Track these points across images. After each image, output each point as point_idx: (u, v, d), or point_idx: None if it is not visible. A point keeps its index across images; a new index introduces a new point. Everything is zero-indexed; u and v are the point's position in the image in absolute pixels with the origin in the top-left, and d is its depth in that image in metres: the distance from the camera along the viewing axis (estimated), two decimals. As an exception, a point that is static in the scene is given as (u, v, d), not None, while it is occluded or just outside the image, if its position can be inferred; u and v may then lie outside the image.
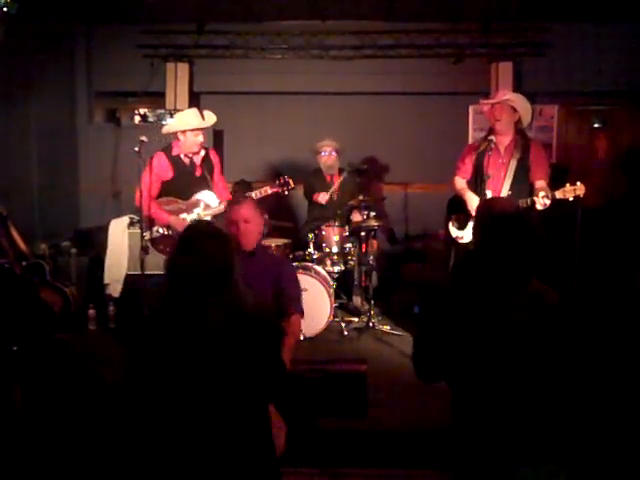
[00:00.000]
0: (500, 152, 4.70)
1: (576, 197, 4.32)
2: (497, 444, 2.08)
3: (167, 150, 4.84)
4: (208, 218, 4.74)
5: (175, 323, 2.12)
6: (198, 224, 2.80)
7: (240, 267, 2.22)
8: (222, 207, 4.74)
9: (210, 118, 4.89)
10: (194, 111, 4.84)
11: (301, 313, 3.32)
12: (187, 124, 4.73)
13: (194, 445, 2.06)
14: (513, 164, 4.65)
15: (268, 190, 4.85)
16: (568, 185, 4.30)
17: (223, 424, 2.09)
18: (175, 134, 4.81)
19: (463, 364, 2.15)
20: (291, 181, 4.84)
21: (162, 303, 2.18)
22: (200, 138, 4.77)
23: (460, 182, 4.89)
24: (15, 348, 4.30)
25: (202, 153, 4.87)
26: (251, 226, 3.19)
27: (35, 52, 6.23)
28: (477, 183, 4.72)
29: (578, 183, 4.28)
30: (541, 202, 4.37)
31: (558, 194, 4.34)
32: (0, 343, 4.22)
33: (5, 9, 4.47)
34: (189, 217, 4.78)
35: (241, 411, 2.11)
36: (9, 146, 5.95)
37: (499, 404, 2.09)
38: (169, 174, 4.81)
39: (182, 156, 4.83)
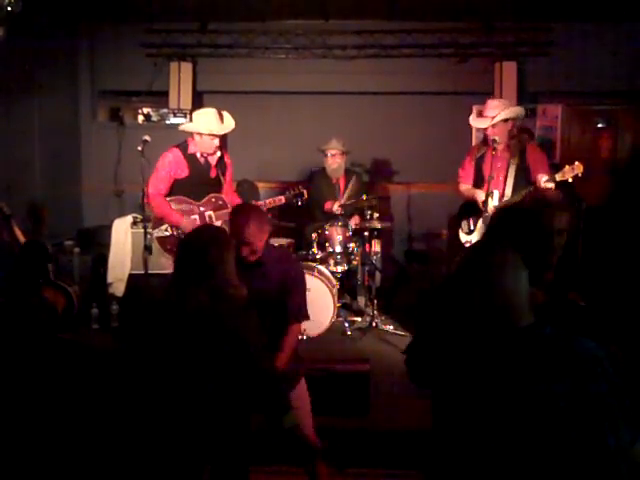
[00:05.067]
0: (498, 155, 4.72)
1: (575, 177, 4.27)
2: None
3: (183, 147, 4.68)
4: (219, 221, 4.70)
5: (163, 311, 2.44)
6: (199, 228, 2.79)
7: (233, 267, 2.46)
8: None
9: (229, 123, 4.74)
10: (214, 113, 4.64)
11: (302, 319, 3.14)
12: (206, 128, 4.58)
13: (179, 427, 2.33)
14: (512, 166, 4.68)
15: (282, 199, 4.85)
16: (567, 166, 4.28)
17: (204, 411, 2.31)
18: (191, 133, 4.68)
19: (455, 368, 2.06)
20: (305, 192, 4.84)
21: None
22: (216, 142, 4.64)
23: (465, 186, 4.93)
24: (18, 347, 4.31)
25: (218, 154, 4.75)
26: (253, 246, 2.92)
27: (38, 51, 6.24)
28: (480, 187, 4.77)
29: (576, 162, 4.26)
30: (546, 187, 4.35)
31: (558, 176, 4.33)
32: (3, 342, 4.22)
33: (9, 8, 4.47)
34: (199, 218, 4.70)
35: (220, 404, 2.33)
36: (12, 145, 5.96)
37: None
38: (184, 172, 4.66)
39: (198, 155, 4.69)
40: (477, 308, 1.80)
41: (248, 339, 2.40)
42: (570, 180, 4.31)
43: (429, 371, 2.10)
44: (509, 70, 6.77)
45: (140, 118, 7.48)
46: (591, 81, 6.79)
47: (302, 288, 3.20)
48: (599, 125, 7.32)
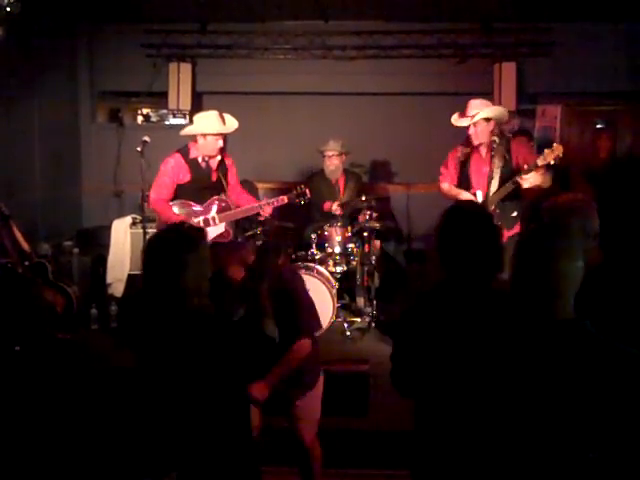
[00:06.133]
0: (482, 156, 4.69)
1: (556, 158, 4.13)
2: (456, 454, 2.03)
3: (184, 152, 4.69)
4: (223, 224, 4.72)
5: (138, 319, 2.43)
6: (164, 229, 2.56)
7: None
8: (235, 212, 4.78)
9: (231, 123, 4.76)
10: (215, 114, 4.66)
11: (308, 333, 3.14)
12: (210, 128, 4.59)
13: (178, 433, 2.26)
14: (498, 168, 4.58)
15: (285, 199, 4.86)
16: (546, 150, 4.16)
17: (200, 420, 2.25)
18: (194, 136, 4.67)
19: (433, 376, 2.12)
20: (307, 191, 4.85)
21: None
22: (220, 143, 4.65)
23: (446, 185, 4.90)
24: (17, 348, 4.31)
25: (218, 158, 4.75)
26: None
27: (38, 51, 6.24)
28: (465, 189, 4.73)
29: (554, 144, 4.15)
30: (524, 177, 4.24)
31: (539, 162, 4.19)
32: (3, 342, 4.22)
33: (8, 9, 4.48)
34: (202, 221, 4.70)
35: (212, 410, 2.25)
36: (12, 146, 5.96)
37: (463, 414, 2.01)
38: (186, 177, 4.67)
39: (199, 160, 4.70)
40: (526, 293, 1.78)
41: (205, 355, 2.24)
42: (552, 162, 4.18)
43: (416, 378, 2.14)
44: (508, 71, 6.77)
45: (139, 119, 7.49)
46: (591, 81, 6.78)
47: (300, 303, 3.15)
48: (598, 126, 7.31)
